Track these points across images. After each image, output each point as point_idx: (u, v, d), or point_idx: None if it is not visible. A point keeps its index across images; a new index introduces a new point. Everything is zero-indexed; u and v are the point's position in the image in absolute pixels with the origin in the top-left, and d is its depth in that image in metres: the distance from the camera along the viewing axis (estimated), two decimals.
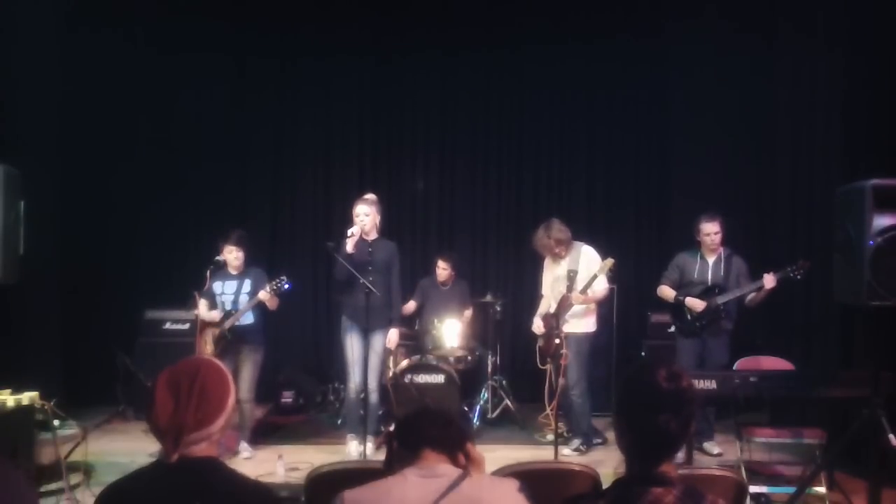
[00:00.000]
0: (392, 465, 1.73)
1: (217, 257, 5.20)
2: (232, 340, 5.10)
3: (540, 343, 5.61)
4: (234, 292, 5.19)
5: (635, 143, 7.35)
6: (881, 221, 3.31)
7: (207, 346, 5.16)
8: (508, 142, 7.47)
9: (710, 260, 5.32)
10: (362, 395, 5.20)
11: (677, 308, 5.36)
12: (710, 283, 5.26)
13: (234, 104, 7.17)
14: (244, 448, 5.22)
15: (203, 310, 5.24)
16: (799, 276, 4.90)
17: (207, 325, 5.20)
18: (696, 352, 5.24)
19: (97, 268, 6.78)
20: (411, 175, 7.52)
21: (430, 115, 7.49)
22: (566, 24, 7.09)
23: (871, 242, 3.30)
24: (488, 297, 6.55)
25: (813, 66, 6.01)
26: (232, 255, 5.17)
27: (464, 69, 7.35)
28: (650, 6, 6.96)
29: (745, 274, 5.21)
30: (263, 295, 5.03)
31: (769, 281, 4.94)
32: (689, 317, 5.27)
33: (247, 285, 5.19)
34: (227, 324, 5.09)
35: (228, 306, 5.17)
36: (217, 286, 5.21)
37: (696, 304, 5.23)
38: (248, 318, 5.17)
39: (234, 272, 5.24)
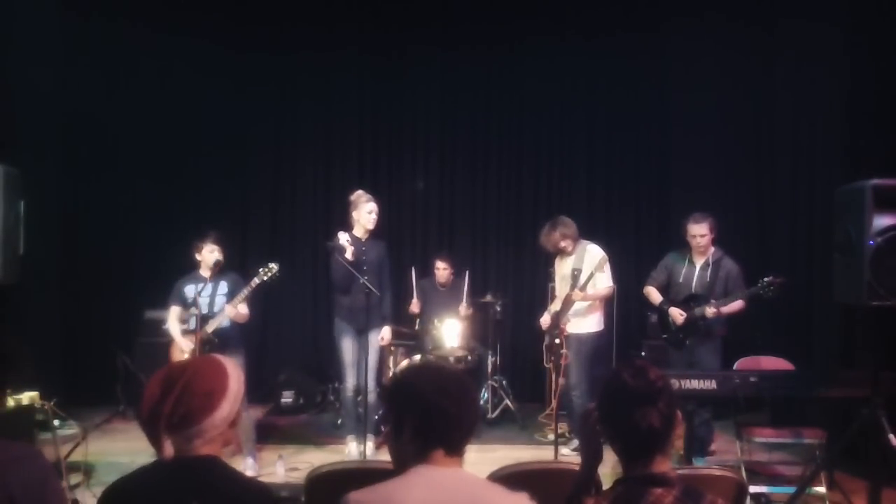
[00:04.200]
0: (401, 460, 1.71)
1: (218, 256, 4.80)
2: (219, 344, 4.64)
3: (546, 342, 5.62)
4: (209, 294, 4.80)
5: (635, 141, 7.34)
6: (881, 221, 3.31)
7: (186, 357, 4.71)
8: (508, 140, 7.47)
9: (698, 264, 5.06)
10: (360, 396, 5.20)
11: (663, 316, 5.19)
12: (693, 290, 5.02)
13: (235, 104, 7.16)
14: (248, 466, 4.81)
15: (174, 324, 4.85)
16: (771, 294, 4.62)
17: (183, 335, 4.82)
18: (685, 361, 5.01)
19: (97, 268, 6.79)
20: (411, 175, 7.52)
21: (429, 112, 7.49)
22: (566, 21, 7.11)
23: (871, 242, 3.30)
24: (488, 297, 6.55)
25: (814, 65, 6.01)
26: (214, 255, 4.78)
27: (463, 67, 7.35)
28: (650, 3, 6.97)
29: (736, 278, 4.93)
30: (255, 283, 4.64)
31: (710, 312, 4.82)
32: (672, 327, 5.08)
33: (223, 286, 4.83)
34: (211, 327, 4.69)
35: (205, 310, 4.72)
36: (189, 290, 4.81)
37: (676, 315, 5.02)
38: (224, 322, 4.76)
39: (206, 274, 4.82)
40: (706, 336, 4.98)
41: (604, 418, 1.77)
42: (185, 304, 4.84)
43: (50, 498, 1.69)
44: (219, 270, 4.84)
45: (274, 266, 4.70)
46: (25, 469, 1.66)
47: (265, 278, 4.68)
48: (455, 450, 1.68)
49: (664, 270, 5.27)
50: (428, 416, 1.65)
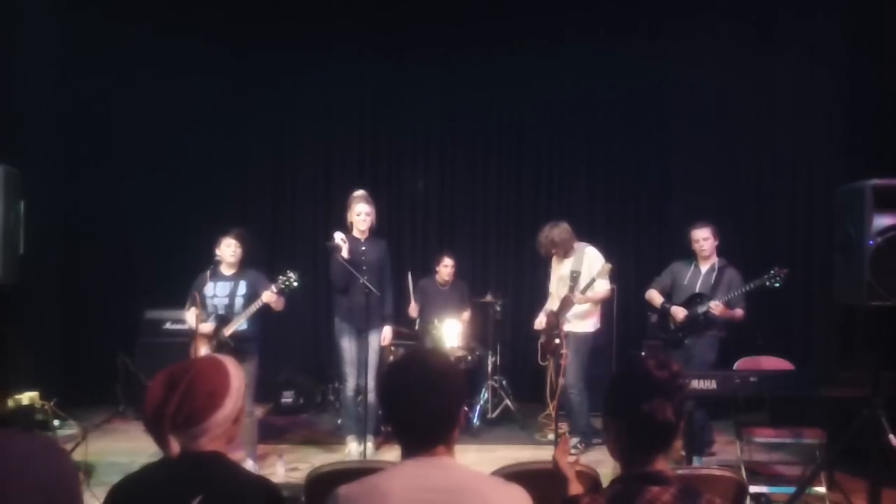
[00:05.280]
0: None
1: (217, 257, 4.82)
2: (234, 347, 4.58)
3: (542, 340, 5.63)
4: (227, 295, 4.72)
5: (635, 142, 7.35)
6: (881, 221, 3.31)
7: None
8: (509, 140, 7.47)
9: (703, 269, 5.21)
10: (360, 396, 5.20)
11: (663, 317, 5.30)
12: (696, 290, 5.15)
13: (235, 103, 7.18)
14: (248, 468, 4.57)
15: (192, 318, 4.78)
16: (777, 284, 4.77)
17: (202, 335, 4.72)
18: (683, 359, 5.06)
19: (97, 268, 6.79)
20: (411, 174, 7.52)
21: (430, 113, 7.49)
22: (566, 22, 7.12)
23: (871, 242, 3.30)
24: (488, 297, 6.55)
25: (814, 64, 6.01)
26: (230, 250, 4.73)
27: (464, 67, 7.35)
28: (650, 4, 6.97)
29: (738, 285, 5.03)
30: (268, 296, 4.59)
31: (715, 307, 4.92)
32: (672, 326, 5.20)
33: (242, 287, 4.75)
34: (228, 330, 4.65)
35: (221, 311, 4.71)
36: (208, 288, 4.73)
37: (677, 312, 5.14)
38: (243, 324, 4.70)
39: (228, 272, 4.77)
40: (704, 333, 5.07)
41: (617, 407, 1.73)
42: (204, 303, 4.74)
43: (74, 487, 1.73)
44: (240, 268, 4.81)
45: (293, 275, 4.64)
46: (52, 459, 1.70)
47: (283, 286, 4.63)
48: (445, 442, 1.68)
49: (669, 275, 5.40)
50: (392, 410, 1.72)
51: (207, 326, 4.72)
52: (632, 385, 1.71)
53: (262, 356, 4.90)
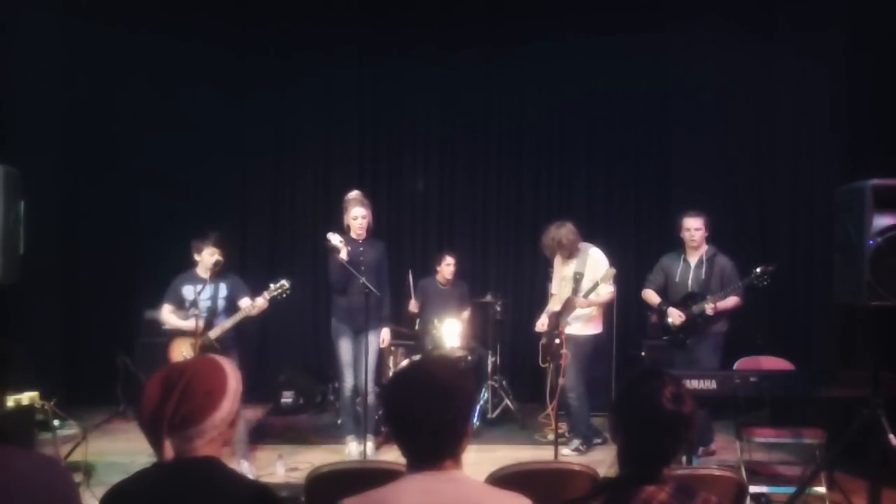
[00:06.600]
0: None
1: (218, 258, 4.77)
2: (219, 349, 4.56)
3: (543, 341, 5.62)
4: (210, 297, 4.75)
5: (635, 141, 7.35)
6: (881, 221, 3.31)
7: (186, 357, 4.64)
8: (508, 140, 7.48)
9: (693, 262, 5.15)
10: (358, 397, 5.20)
11: (663, 317, 5.24)
12: (690, 288, 5.10)
13: (234, 104, 7.18)
14: (244, 469, 4.68)
15: (171, 317, 4.79)
16: (765, 283, 4.75)
17: (182, 334, 4.76)
18: (688, 360, 5.09)
19: (97, 268, 6.79)
20: (411, 174, 7.52)
21: (430, 113, 7.50)
22: (566, 22, 7.12)
23: (871, 242, 3.29)
24: (488, 297, 6.55)
25: (813, 65, 6.01)
26: (213, 259, 4.73)
27: (464, 67, 7.36)
28: (650, 4, 6.97)
29: (731, 273, 5.03)
30: (260, 303, 4.65)
31: (709, 309, 4.91)
32: (672, 328, 5.15)
33: (223, 289, 4.79)
34: (215, 333, 4.68)
35: (205, 313, 4.71)
36: (187, 290, 4.76)
37: (675, 315, 5.10)
38: (220, 322, 4.75)
39: (206, 275, 4.76)
40: (705, 334, 5.04)
41: (620, 415, 1.74)
42: (182, 305, 4.79)
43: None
44: (218, 272, 4.80)
45: (285, 283, 4.67)
46: (52, 476, 1.65)
47: (276, 294, 4.67)
48: (452, 455, 1.65)
49: (661, 272, 5.34)
50: (395, 423, 1.66)
51: (190, 324, 4.71)
52: (640, 406, 1.70)
53: (241, 351, 4.87)
